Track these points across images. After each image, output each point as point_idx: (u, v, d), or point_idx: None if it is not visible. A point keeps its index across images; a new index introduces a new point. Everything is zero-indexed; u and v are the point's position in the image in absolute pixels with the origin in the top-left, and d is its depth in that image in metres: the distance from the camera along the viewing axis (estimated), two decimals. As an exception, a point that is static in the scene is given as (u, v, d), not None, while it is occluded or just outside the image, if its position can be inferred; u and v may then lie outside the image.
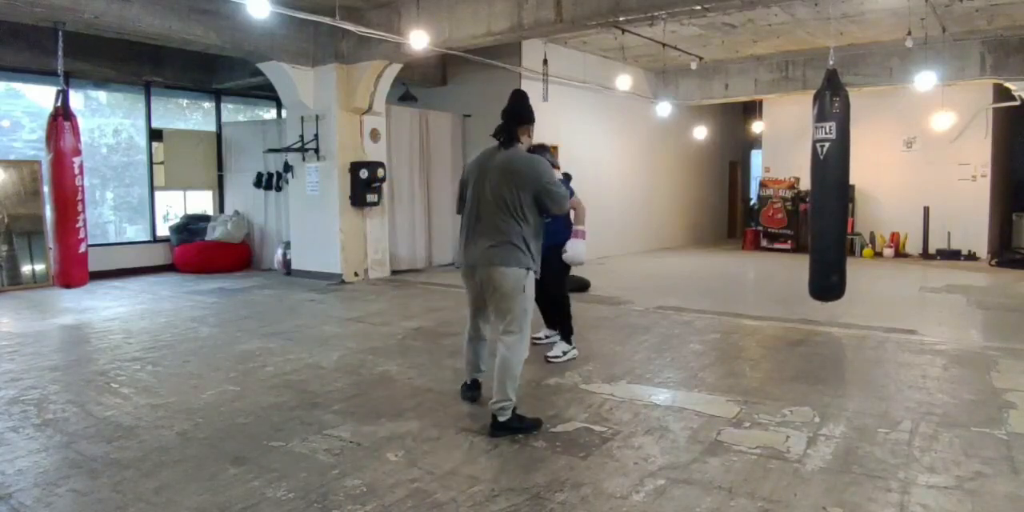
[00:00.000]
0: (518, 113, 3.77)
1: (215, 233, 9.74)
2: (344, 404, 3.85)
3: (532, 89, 9.59)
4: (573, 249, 4.21)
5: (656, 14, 6.31)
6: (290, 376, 4.42)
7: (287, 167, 9.12)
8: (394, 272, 9.30)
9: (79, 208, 6.42)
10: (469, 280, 3.57)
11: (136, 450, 3.18)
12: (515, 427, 3.36)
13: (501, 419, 3.36)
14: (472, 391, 3.91)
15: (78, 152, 6.40)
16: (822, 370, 4.53)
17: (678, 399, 3.94)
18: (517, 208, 3.40)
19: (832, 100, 5.36)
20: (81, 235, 6.48)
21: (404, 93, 10.04)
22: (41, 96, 8.71)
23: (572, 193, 4.69)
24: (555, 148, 10.50)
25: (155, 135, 9.85)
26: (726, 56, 11.00)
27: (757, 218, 13.13)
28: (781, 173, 12.82)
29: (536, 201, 3.44)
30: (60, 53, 6.33)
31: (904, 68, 10.02)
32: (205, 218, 10.13)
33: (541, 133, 10.08)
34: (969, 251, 11.11)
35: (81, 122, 6.81)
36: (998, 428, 3.40)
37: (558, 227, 4.40)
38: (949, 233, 11.30)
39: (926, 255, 11.38)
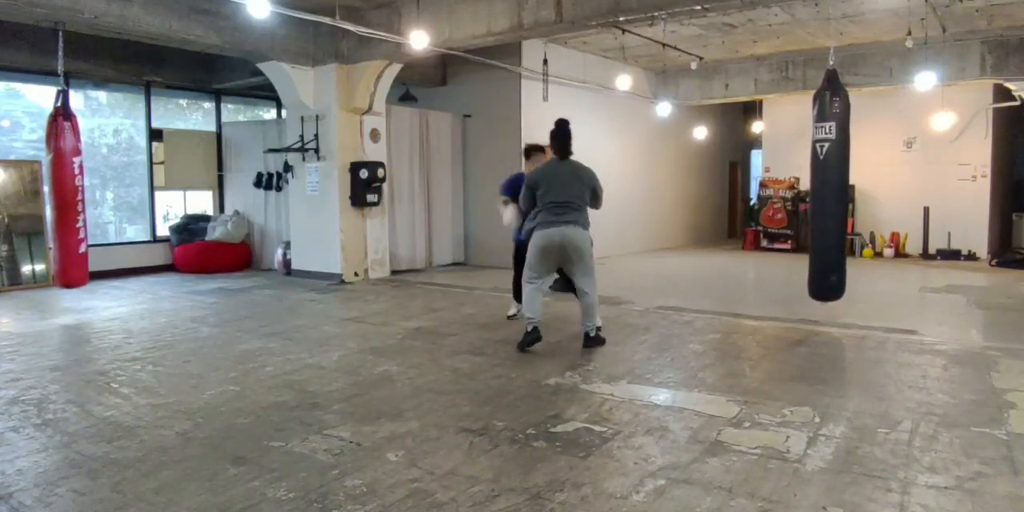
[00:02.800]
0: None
1: (215, 233, 9.75)
2: (344, 404, 3.85)
3: (532, 89, 9.62)
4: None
5: (656, 14, 6.32)
6: (290, 376, 4.42)
7: (287, 167, 9.13)
8: (394, 272, 9.30)
9: (79, 208, 6.42)
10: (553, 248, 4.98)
11: (136, 450, 3.18)
12: (600, 340, 5.16)
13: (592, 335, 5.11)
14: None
15: (78, 152, 6.40)
16: (822, 370, 4.52)
17: (678, 399, 3.94)
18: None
19: (832, 100, 5.36)
20: (81, 235, 6.48)
21: (404, 93, 10.04)
22: (41, 96, 8.71)
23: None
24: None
25: (155, 135, 9.85)
26: (726, 56, 10.99)
27: (757, 218, 13.13)
28: (781, 173, 12.82)
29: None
30: (60, 53, 6.33)
31: (904, 68, 10.02)
32: (205, 218, 10.13)
33: (541, 133, 10.11)
34: (969, 251, 11.11)
35: (81, 122, 6.81)
36: (998, 428, 3.40)
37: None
38: (949, 233, 11.30)
39: (926, 255, 11.38)
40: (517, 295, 5.95)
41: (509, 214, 5.72)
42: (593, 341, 5.11)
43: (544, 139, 5.37)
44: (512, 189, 5.66)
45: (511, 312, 6.26)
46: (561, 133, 5.04)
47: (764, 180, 13.12)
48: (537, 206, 5.02)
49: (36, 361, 4.84)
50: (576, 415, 3.63)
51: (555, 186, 4.97)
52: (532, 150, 5.84)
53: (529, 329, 5.00)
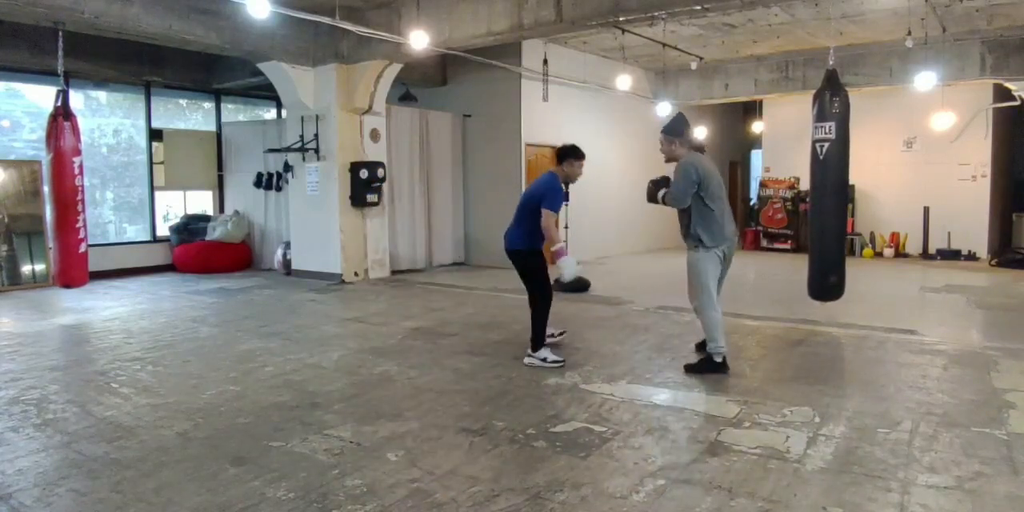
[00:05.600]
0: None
1: (215, 233, 9.75)
2: (344, 404, 3.85)
3: (532, 89, 9.62)
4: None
5: (656, 14, 6.31)
6: (290, 376, 4.42)
7: (287, 167, 9.13)
8: (394, 272, 9.30)
9: (79, 208, 6.42)
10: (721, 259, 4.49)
11: (136, 450, 3.18)
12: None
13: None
14: None
15: (78, 152, 6.40)
16: (822, 370, 4.52)
17: (678, 399, 3.94)
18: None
19: (832, 100, 5.35)
20: (81, 235, 6.48)
21: (404, 93, 10.04)
22: (41, 96, 8.71)
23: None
24: (555, 148, 10.52)
25: (155, 135, 9.85)
26: (726, 56, 10.99)
27: (757, 218, 13.13)
28: (781, 173, 12.82)
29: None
30: (60, 53, 6.33)
31: (904, 68, 10.02)
32: (205, 218, 10.13)
33: (542, 133, 10.12)
34: (969, 251, 11.11)
35: (81, 122, 6.81)
36: (998, 428, 3.40)
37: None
38: (949, 233, 11.30)
39: (926, 255, 11.38)
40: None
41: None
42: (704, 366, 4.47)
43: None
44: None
45: (556, 358, 4.64)
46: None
47: (764, 180, 13.12)
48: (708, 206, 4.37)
49: (36, 361, 4.84)
50: (576, 415, 3.63)
51: (719, 186, 4.46)
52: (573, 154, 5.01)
53: (720, 360, 4.45)
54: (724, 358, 4.43)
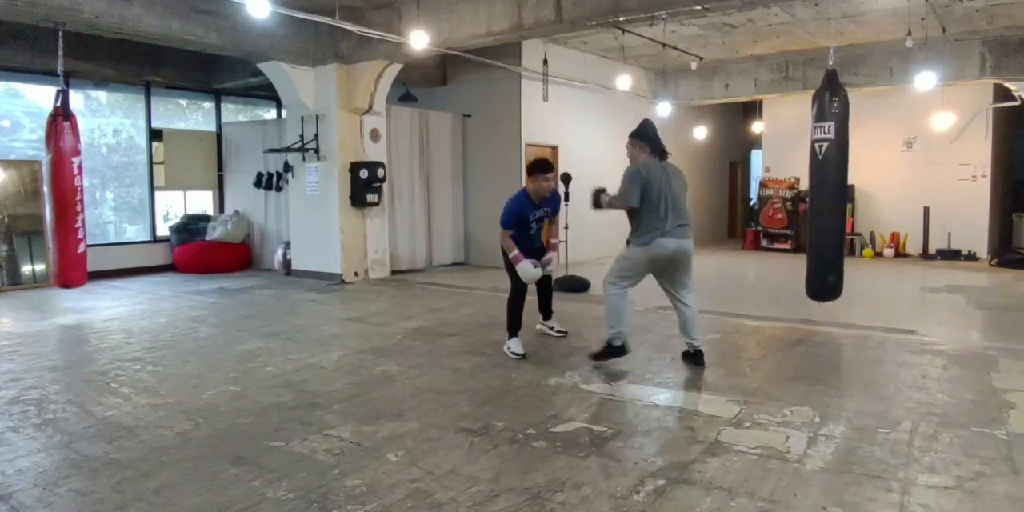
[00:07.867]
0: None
1: (215, 233, 9.75)
2: (344, 404, 3.85)
3: (532, 89, 9.62)
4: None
5: (656, 14, 6.32)
6: (290, 376, 4.42)
7: (287, 167, 9.13)
8: (394, 272, 9.30)
9: (78, 208, 6.42)
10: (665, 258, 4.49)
11: (136, 450, 3.18)
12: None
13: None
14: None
15: (77, 152, 6.40)
16: (822, 370, 4.52)
17: (678, 399, 3.94)
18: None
19: (831, 100, 5.36)
20: (80, 235, 6.48)
21: (404, 93, 10.04)
22: (41, 96, 8.70)
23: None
24: (555, 148, 10.53)
25: (155, 135, 9.86)
26: (726, 56, 10.99)
27: (757, 218, 13.13)
28: (781, 173, 12.82)
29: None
30: (60, 53, 6.33)
31: (904, 68, 10.02)
32: (205, 218, 10.14)
33: (542, 133, 10.13)
34: (969, 251, 11.10)
35: (81, 122, 6.81)
36: (998, 428, 3.40)
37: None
38: (949, 233, 11.30)
39: (926, 255, 11.38)
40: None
41: None
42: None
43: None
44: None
45: (516, 351, 4.95)
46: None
47: (764, 180, 13.11)
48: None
49: (36, 361, 4.84)
50: (576, 415, 3.63)
51: (661, 192, 4.67)
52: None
53: (619, 344, 4.56)
54: (623, 342, 4.54)
